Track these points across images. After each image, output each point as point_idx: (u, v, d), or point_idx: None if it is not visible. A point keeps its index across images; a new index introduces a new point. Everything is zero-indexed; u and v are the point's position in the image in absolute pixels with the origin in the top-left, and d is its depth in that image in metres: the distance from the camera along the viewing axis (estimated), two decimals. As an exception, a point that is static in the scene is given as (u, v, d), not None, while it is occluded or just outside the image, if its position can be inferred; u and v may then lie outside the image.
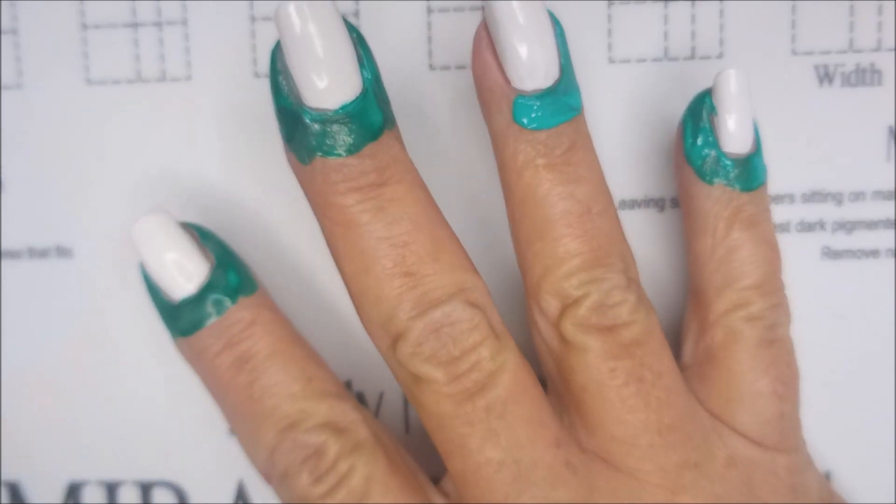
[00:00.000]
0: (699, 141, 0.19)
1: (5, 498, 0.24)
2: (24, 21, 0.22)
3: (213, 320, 0.19)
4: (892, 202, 0.22)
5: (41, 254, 0.23)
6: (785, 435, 0.20)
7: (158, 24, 0.22)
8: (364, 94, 0.17)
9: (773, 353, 0.19)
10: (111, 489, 0.24)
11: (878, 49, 0.21)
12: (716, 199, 0.19)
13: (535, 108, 0.18)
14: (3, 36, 0.23)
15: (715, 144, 0.19)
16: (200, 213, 0.23)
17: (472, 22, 0.22)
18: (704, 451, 0.19)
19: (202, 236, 0.20)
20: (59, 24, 0.22)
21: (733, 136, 0.19)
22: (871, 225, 0.22)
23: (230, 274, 0.19)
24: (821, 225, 0.22)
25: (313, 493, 0.18)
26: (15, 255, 0.23)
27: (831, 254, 0.22)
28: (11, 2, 0.22)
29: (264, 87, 0.22)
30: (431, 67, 0.22)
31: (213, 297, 0.19)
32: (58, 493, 0.24)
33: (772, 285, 0.20)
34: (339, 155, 0.17)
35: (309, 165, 0.17)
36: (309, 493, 0.18)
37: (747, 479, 0.19)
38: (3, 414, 0.24)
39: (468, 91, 0.22)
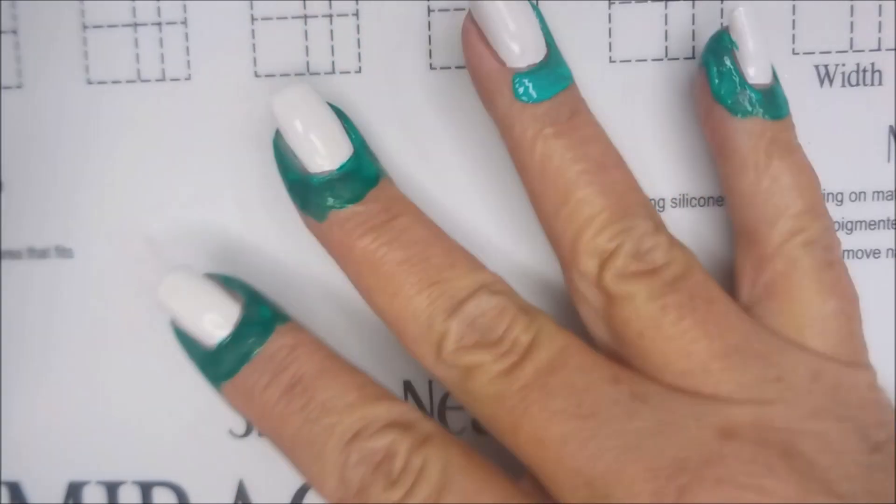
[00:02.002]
0: (726, 78, 0.20)
1: (5, 498, 0.24)
2: (24, 21, 0.22)
3: (255, 354, 0.19)
4: (892, 202, 0.22)
5: (41, 254, 0.23)
6: (858, 353, 0.20)
7: (158, 25, 0.22)
8: (356, 152, 0.20)
9: (834, 274, 0.19)
10: (111, 489, 0.24)
11: (878, 49, 0.21)
12: (750, 131, 0.19)
13: (533, 82, 0.19)
14: (3, 36, 0.23)
15: (742, 78, 0.20)
16: (200, 213, 0.23)
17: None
18: (784, 367, 0.18)
19: (226, 282, 0.20)
20: (59, 24, 0.22)
21: (758, 66, 0.19)
22: (871, 225, 0.22)
23: (262, 309, 0.20)
24: (821, 225, 0.22)
25: (392, 497, 0.18)
26: (15, 255, 0.23)
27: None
28: (11, 2, 0.22)
29: (264, 87, 0.22)
30: (431, 67, 0.22)
31: (251, 331, 0.19)
32: (58, 493, 0.24)
33: (820, 208, 0.20)
34: (350, 203, 0.19)
35: (326, 222, 0.19)
36: (388, 500, 0.18)
37: (835, 392, 0.19)
38: (3, 414, 0.24)
39: (468, 91, 0.22)
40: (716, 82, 0.20)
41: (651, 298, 0.18)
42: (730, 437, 0.17)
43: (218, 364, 0.20)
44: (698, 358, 0.18)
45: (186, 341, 0.20)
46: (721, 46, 0.20)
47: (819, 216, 0.20)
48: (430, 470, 0.18)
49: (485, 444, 0.20)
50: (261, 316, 0.20)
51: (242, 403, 0.20)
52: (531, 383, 0.18)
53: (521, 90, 0.19)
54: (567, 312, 0.21)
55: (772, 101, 0.20)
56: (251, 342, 0.19)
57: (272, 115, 0.19)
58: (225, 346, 0.19)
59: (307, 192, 0.19)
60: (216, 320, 0.20)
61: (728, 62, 0.20)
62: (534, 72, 0.19)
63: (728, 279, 0.21)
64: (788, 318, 0.19)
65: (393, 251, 0.19)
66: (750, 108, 0.19)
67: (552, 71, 0.19)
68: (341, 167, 0.19)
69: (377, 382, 0.20)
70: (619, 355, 0.19)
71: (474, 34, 0.19)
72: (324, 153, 0.19)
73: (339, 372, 0.19)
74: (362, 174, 0.19)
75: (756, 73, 0.20)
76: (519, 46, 0.19)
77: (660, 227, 0.19)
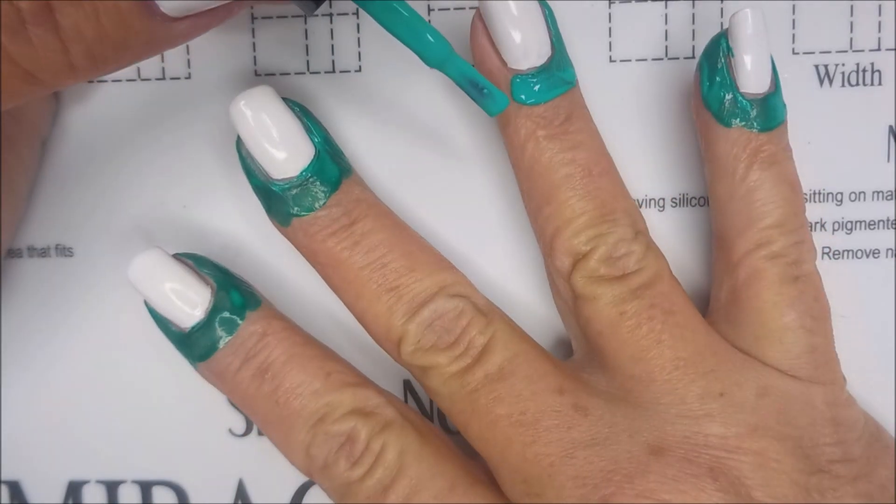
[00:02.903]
0: (716, 84, 0.20)
1: (5, 497, 0.24)
2: (25, 21, 0.22)
3: (226, 340, 0.20)
4: (892, 202, 0.22)
5: (41, 253, 0.23)
6: (819, 368, 0.20)
7: (159, 24, 0.22)
8: (317, 155, 0.19)
9: (798, 288, 0.20)
10: (111, 489, 0.24)
11: (877, 49, 0.21)
12: (734, 141, 0.20)
13: (531, 84, 0.19)
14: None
15: (732, 86, 0.19)
16: (200, 212, 0.23)
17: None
18: (731, 382, 0.19)
19: (198, 263, 0.21)
20: (60, 23, 0.22)
21: (751, 76, 0.19)
22: (871, 225, 0.22)
23: (233, 294, 0.20)
24: (821, 225, 0.22)
25: (353, 476, 0.19)
26: (15, 253, 0.23)
27: (831, 254, 0.22)
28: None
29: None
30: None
31: (222, 318, 0.20)
32: (58, 492, 0.24)
33: (793, 223, 0.20)
34: (311, 210, 0.19)
35: (290, 227, 0.20)
36: (349, 478, 0.19)
37: (783, 409, 0.19)
38: (3, 414, 0.24)
39: (468, 91, 0.22)
40: (706, 87, 0.20)
41: (613, 303, 0.19)
42: (659, 453, 0.18)
43: (191, 347, 0.20)
44: (647, 366, 0.19)
45: (161, 321, 0.20)
46: (716, 51, 0.20)
47: (789, 231, 0.20)
48: (387, 454, 0.19)
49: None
50: (231, 302, 0.20)
51: (216, 382, 0.21)
52: (480, 388, 0.19)
53: (518, 91, 0.19)
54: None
55: (764, 111, 0.19)
56: (221, 330, 0.20)
57: (230, 121, 0.19)
58: (197, 332, 0.20)
59: (270, 198, 0.20)
60: (187, 307, 0.20)
61: (720, 68, 0.20)
62: (534, 74, 0.19)
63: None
64: (746, 328, 0.20)
65: (354, 256, 0.19)
66: (736, 118, 0.19)
67: (553, 74, 0.19)
68: (302, 173, 0.19)
69: (345, 368, 0.20)
70: (584, 349, 0.20)
71: (481, 30, 0.19)
72: (283, 160, 0.19)
73: (308, 360, 0.20)
74: (324, 178, 0.19)
75: (749, 83, 0.19)
76: (521, 49, 0.19)
77: (640, 234, 0.19)
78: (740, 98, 0.19)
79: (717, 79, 0.20)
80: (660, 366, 0.19)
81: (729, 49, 0.19)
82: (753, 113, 0.19)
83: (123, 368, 0.23)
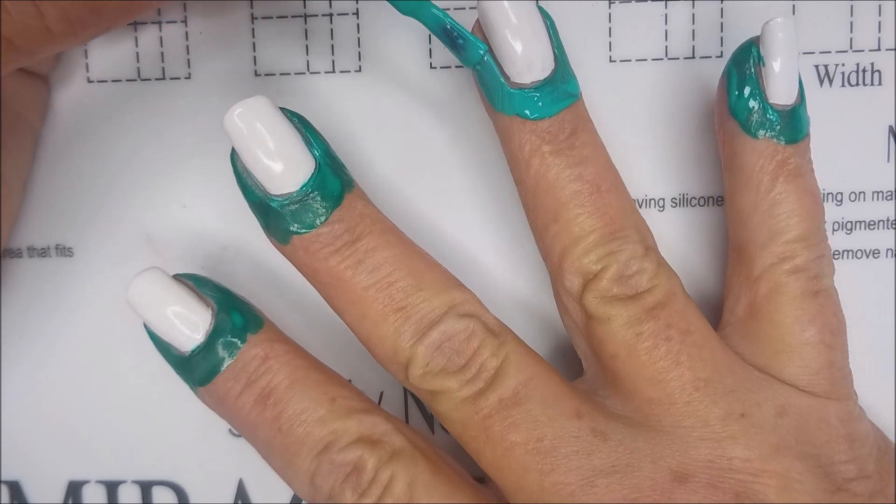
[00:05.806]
0: (745, 93, 0.19)
1: (5, 497, 0.24)
2: (25, 21, 0.22)
3: (227, 364, 0.19)
4: (892, 202, 0.22)
5: (41, 253, 0.23)
6: (835, 383, 0.19)
7: (158, 24, 0.22)
8: (318, 169, 0.18)
9: (818, 303, 0.19)
10: (111, 489, 0.24)
11: (877, 49, 0.21)
12: (760, 152, 0.19)
13: (534, 99, 0.18)
14: (3, 36, 0.23)
15: (761, 96, 0.19)
16: (200, 212, 0.23)
17: (472, 22, 0.22)
18: (751, 402, 0.19)
19: (198, 284, 0.20)
20: (60, 23, 0.22)
21: (781, 87, 0.19)
22: (871, 225, 0.22)
23: (234, 315, 0.19)
24: (821, 225, 0.22)
25: None
26: (15, 253, 0.23)
27: (831, 254, 0.22)
28: (12, 1, 0.23)
29: (264, 86, 0.22)
30: (431, 67, 0.22)
31: (222, 341, 0.19)
32: (58, 492, 0.24)
33: (816, 237, 0.19)
34: (312, 227, 0.18)
35: (289, 245, 0.19)
36: None
37: (801, 427, 0.19)
38: (3, 413, 0.24)
39: (468, 91, 0.22)
40: (734, 96, 0.19)
41: (628, 324, 0.18)
42: (683, 479, 0.18)
43: (191, 371, 0.19)
44: (666, 388, 0.18)
45: (160, 345, 0.20)
46: (746, 59, 0.19)
47: (812, 245, 0.19)
48: (397, 484, 0.18)
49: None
50: (233, 324, 0.19)
51: (217, 408, 0.20)
52: (494, 414, 0.18)
53: (521, 106, 0.18)
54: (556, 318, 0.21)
55: (790, 123, 0.19)
56: (223, 353, 0.19)
57: (225, 133, 0.18)
58: (197, 355, 0.19)
59: (268, 214, 0.19)
60: (187, 329, 0.19)
61: (750, 77, 0.19)
62: (537, 89, 0.18)
63: (723, 282, 0.21)
64: (765, 342, 0.20)
65: (358, 274, 0.18)
66: (764, 129, 0.19)
67: (556, 87, 0.18)
68: (302, 187, 0.18)
69: (350, 394, 0.20)
70: (594, 370, 0.20)
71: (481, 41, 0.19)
72: (282, 174, 0.18)
73: (312, 385, 0.19)
74: (325, 192, 0.18)
75: (779, 94, 0.19)
76: (524, 61, 0.18)
77: (649, 250, 0.19)
78: (769, 109, 0.19)
79: (747, 88, 0.19)
80: (680, 387, 0.18)
81: (760, 58, 0.19)
82: (781, 125, 0.19)
83: (123, 368, 0.23)
